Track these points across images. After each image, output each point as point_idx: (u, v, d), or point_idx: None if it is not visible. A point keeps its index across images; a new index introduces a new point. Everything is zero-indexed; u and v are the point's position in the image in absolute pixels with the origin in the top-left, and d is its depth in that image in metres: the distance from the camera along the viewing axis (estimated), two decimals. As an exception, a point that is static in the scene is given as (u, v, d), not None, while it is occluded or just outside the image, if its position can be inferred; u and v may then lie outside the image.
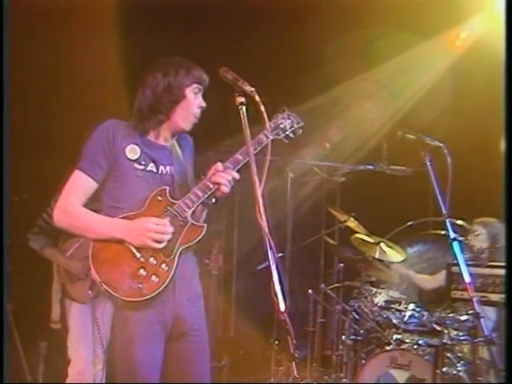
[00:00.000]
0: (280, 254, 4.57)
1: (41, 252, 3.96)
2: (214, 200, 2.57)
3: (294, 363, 2.07)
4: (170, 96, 2.54)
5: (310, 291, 4.91)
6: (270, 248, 2.10)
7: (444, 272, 4.33)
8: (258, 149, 2.55)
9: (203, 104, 2.61)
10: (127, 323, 2.42)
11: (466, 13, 4.88)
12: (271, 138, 2.59)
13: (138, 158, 2.51)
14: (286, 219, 4.88)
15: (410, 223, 5.00)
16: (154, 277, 2.39)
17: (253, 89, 2.32)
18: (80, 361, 3.81)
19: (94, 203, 2.56)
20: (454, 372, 3.86)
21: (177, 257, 2.45)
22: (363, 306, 4.42)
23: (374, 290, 4.59)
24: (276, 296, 2.04)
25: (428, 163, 3.18)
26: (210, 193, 2.50)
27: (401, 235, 4.95)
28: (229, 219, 6.01)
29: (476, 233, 4.39)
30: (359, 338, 4.38)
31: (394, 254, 4.65)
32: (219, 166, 2.52)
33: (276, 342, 4.77)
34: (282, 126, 2.68)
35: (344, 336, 4.51)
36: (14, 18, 3.20)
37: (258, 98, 2.29)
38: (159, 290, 2.39)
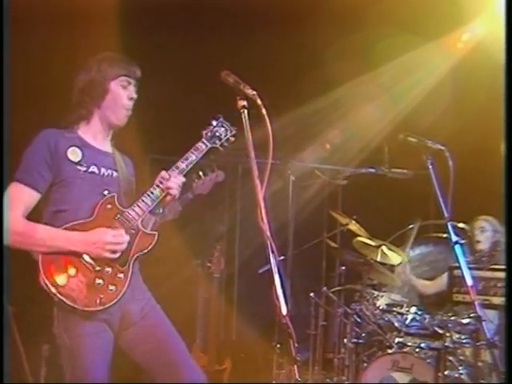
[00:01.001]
0: (282, 257, 4.57)
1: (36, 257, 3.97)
2: (161, 210, 2.63)
3: (295, 366, 2.07)
4: (92, 91, 2.56)
5: (311, 294, 4.90)
6: (272, 251, 2.10)
7: (444, 276, 4.33)
8: (200, 156, 2.63)
9: (133, 95, 2.61)
10: (72, 324, 2.42)
11: (468, 15, 4.88)
12: (209, 146, 2.66)
13: (79, 161, 2.51)
14: (287, 222, 4.87)
15: (411, 226, 5.00)
16: (110, 286, 2.42)
17: (254, 92, 2.32)
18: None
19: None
20: (456, 375, 3.86)
21: (131, 265, 2.50)
22: (365, 309, 4.42)
23: (376, 293, 4.59)
24: (278, 299, 2.04)
25: (430, 166, 3.17)
26: (157, 200, 2.55)
27: (402, 238, 4.95)
28: (230, 222, 6.01)
29: (482, 228, 4.41)
30: (361, 341, 4.38)
31: (395, 257, 4.65)
32: (164, 173, 2.57)
33: (278, 345, 4.76)
34: (217, 134, 2.70)
35: (346, 339, 4.51)
36: (14, 18, 3.20)
37: (259, 102, 2.29)
38: (117, 299, 2.43)
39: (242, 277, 5.96)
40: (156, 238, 2.57)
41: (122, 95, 2.59)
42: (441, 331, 4.04)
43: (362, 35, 4.73)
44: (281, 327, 2.06)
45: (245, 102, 2.33)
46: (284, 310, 2.03)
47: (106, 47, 4.63)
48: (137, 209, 2.53)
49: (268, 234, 2.12)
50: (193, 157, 2.63)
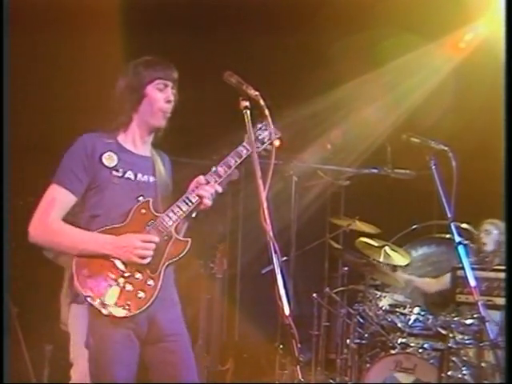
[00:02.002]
0: (284, 258, 4.57)
1: (55, 261, 4.00)
2: (194, 214, 2.58)
3: (298, 367, 2.06)
4: (129, 96, 2.55)
5: (314, 295, 4.90)
6: (275, 252, 2.10)
7: (448, 275, 4.33)
8: (239, 162, 2.58)
9: (171, 98, 2.58)
10: (101, 330, 2.43)
11: (470, 15, 4.87)
12: (250, 150, 2.56)
13: (115, 166, 2.50)
14: (290, 223, 4.87)
15: (414, 226, 4.99)
16: (140, 293, 2.40)
17: (257, 93, 2.31)
18: (83, 363, 3.82)
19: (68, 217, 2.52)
20: (460, 376, 3.86)
21: (162, 272, 2.46)
22: (368, 310, 4.42)
23: (379, 293, 4.59)
24: (280, 300, 2.04)
25: (433, 167, 3.17)
26: (193, 206, 2.51)
27: (405, 238, 4.95)
28: (233, 223, 6.01)
29: (488, 231, 4.41)
30: (364, 341, 4.37)
31: (398, 258, 4.65)
32: (201, 179, 2.54)
33: (280, 346, 4.76)
34: (260, 137, 2.65)
35: (348, 340, 4.51)
36: (14, 18, 3.21)
37: (262, 102, 2.29)
38: (145, 307, 2.40)
39: (245, 277, 5.95)
40: (189, 245, 2.52)
41: (158, 99, 2.56)
42: (444, 332, 4.03)
43: (365, 35, 4.72)
44: (283, 328, 2.06)
45: (247, 103, 2.33)
46: (287, 311, 2.03)
47: (107, 48, 4.67)
48: (171, 214, 2.50)
49: (271, 234, 2.11)
50: (232, 161, 2.58)
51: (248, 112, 2.33)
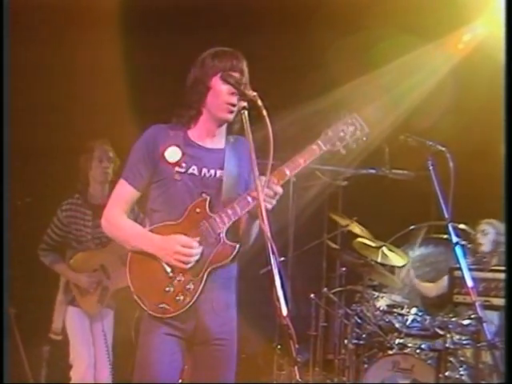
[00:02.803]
0: (282, 259, 4.57)
1: (51, 267, 4.02)
2: (252, 221, 2.45)
3: (296, 367, 2.06)
4: (197, 89, 2.47)
5: (312, 295, 4.90)
6: (273, 252, 2.10)
7: (446, 278, 4.33)
8: (308, 161, 2.45)
9: (234, 90, 2.42)
10: (148, 327, 2.43)
11: (469, 16, 4.88)
12: (325, 149, 2.48)
13: (178, 161, 2.44)
14: (288, 223, 4.87)
15: (412, 227, 4.99)
16: (179, 295, 2.37)
17: (255, 93, 2.29)
18: (82, 364, 3.85)
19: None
20: (457, 376, 3.86)
21: (205, 276, 2.39)
22: (365, 310, 4.42)
23: (377, 294, 4.59)
24: (278, 300, 2.03)
25: (430, 167, 3.17)
26: (249, 207, 2.38)
27: (403, 239, 4.95)
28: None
29: (485, 231, 4.40)
30: (361, 342, 4.38)
31: (396, 258, 4.65)
32: (262, 180, 2.34)
33: (278, 346, 4.76)
34: (341, 134, 2.51)
35: (346, 340, 4.51)
36: (14, 19, 3.20)
37: (260, 103, 2.26)
38: (181, 311, 2.37)
39: (243, 278, 5.94)
40: (236, 249, 2.45)
41: (222, 91, 2.43)
42: (441, 332, 4.04)
43: (363, 36, 4.73)
44: (281, 328, 2.05)
45: (245, 103, 2.32)
46: (284, 311, 2.02)
47: (108, 49, 4.67)
48: (224, 215, 2.39)
49: (268, 235, 2.11)
50: (300, 161, 2.44)
51: (246, 112, 2.31)
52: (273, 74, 5.10)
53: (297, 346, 2.02)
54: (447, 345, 3.91)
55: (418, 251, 5.22)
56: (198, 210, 2.42)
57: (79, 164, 4.02)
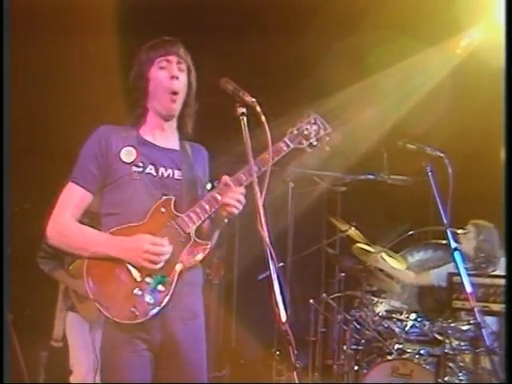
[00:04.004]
0: (281, 264, 4.57)
1: (50, 274, 4.02)
2: (226, 220, 2.39)
3: (295, 373, 2.05)
4: (137, 85, 2.41)
5: (311, 301, 4.90)
6: (271, 258, 2.09)
7: (430, 272, 4.34)
8: (276, 159, 2.40)
9: (174, 73, 2.38)
10: (113, 341, 2.30)
11: (467, 21, 4.89)
12: (292, 146, 2.46)
13: (133, 161, 2.35)
14: (287, 229, 4.87)
15: (410, 232, 5.00)
16: (149, 298, 2.24)
17: (254, 99, 2.28)
18: (82, 369, 3.85)
19: (87, 215, 2.43)
20: (456, 381, 3.86)
21: (176, 277, 2.29)
22: (364, 316, 4.42)
23: (376, 299, 4.59)
24: (277, 306, 2.02)
25: (429, 173, 3.18)
26: (217, 206, 2.33)
27: (402, 244, 4.95)
28: (230, 229, 6.01)
29: (466, 231, 4.36)
30: (360, 347, 4.37)
31: (395, 264, 4.65)
32: (227, 179, 2.35)
33: (277, 352, 4.76)
34: (305, 132, 2.51)
35: (345, 345, 4.50)
36: (14, 20, 3.20)
37: (258, 109, 2.25)
38: (153, 313, 2.24)
39: (242, 283, 5.95)
40: (208, 249, 2.35)
41: (161, 78, 2.37)
42: (440, 338, 4.03)
43: (361, 40, 4.73)
44: (280, 334, 2.05)
45: (244, 109, 2.32)
46: (283, 317, 2.02)
47: (108, 50, 4.67)
48: (192, 214, 2.31)
49: (267, 240, 2.10)
50: (268, 158, 2.34)
51: (245, 118, 2.31)
52: (270, 78, 5.12)
53: (296, 351, 2.01)
54: (446, 350, 3.90)
55: (416, 256, 5.23)
56: (163, 209, 2.32)
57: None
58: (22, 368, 4.41)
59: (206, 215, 2.34)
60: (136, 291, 2.24)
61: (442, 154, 3.17)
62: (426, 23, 4.72)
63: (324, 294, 4.93)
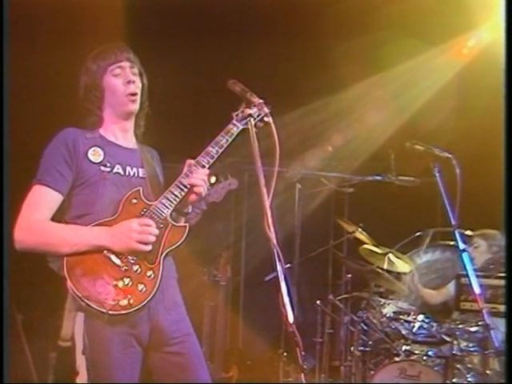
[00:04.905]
0: (288, 265, 4.57)
1: (60, 273, 4.02)
2: (190, 209, 2.49)
3: (302, 374, 2.05)
4: (90, 96, 2.45)
5: (318, 302, 4.89)
6: (278, 259, 2.10)
7: (450, 285, 4.31)
8: (230, 140, 2.44)
9: (130, 78, 2.44)
10: (99, 338, 2.33)
11: (474, 21, 4.88)
12: (241, 127, 2.46)
13: (101, 161, 2.38)
14: (294, 230, 4.87)
15: (418, 233, 4.98)
16: (140, 286, 2.27)
17: (261, 101, 2.32)
18: (88, 371, 3.85)
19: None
20: (464, 383, 3.84)
21: (161, 262, 2.33)
22: (372, 317, 4.41)
23: (383, 300, 4.58)
24: (284, 307, 2.03)
25: (437, 174, 3.17)
26: (186, 190, 2.39)
27: (409, 246, 4.93)
28: (237, 230, 6.02)
29: (475, 245, 4.34)
30: (368, 349, 4.36)
31: (402, 265, 4.64)
32: (191, 162, 2.42)
33: (284, 353, 4.75)
34: (249, 112, 2.45)
35: (352, 347, 4.49)
36: (15, 23, 3.22)
37: (266, 110, 2.29)
38: (147, 300, 2.27)
39: (249, 285, 5.95)
40: (187, 230, 2.39)
41: (116, 84, 2.43)
42: (448, 339, 4.02)
43: (367, 39, 4.73)
44: (287, 335, 2.05)
45: (251, 111, 2.33)
46: (290, 318, 2.02)
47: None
48: (164, 200, 2.36)
49: (274, 241, 2.11)
50: (223, 141, 2.43)
51: (252, 120, 2.33)
52: (276, 80, 5.12)
53: (303, 352, 2.02)
54: (454, 352, 3.89)
55: (424, 257, 5.21)
56: (134, 200, 2.36)
57: None
58: (31, 369, 4.44)
59: (177, 199, 2.38)
60: (126, 281, 2.26)
61: (450, 155, 3.17)
62: (433, 23, 4.71)
63: (331, 296, 4.92)
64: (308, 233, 5.24)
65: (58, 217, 2.38)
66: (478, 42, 5.06)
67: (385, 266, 4.55)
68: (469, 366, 3.95)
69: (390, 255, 4.60)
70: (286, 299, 2.04)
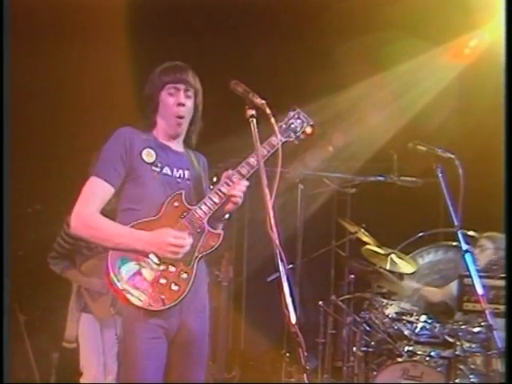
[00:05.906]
0: (290, 266, 4.57)
1: (62, 274, 4.04)
2: (227, 215, 2.62)
3: (305, 375, 2.06)
4: (149, 104, 2.64)
5: (320, 303, 4.89)
6: (281, 259, 2.10)
7: (452, 285, 4.30)
8: (272, 152, 2.56)
9: (181, 101, 2.60)
10: (133, 329, 2.44)
11: (476, 22, 4.88)
12: (283, 140, 2.62)
13: (153, 161, 2.55)
14: (296, 231, 4.87)
15: (420, 234, 4.98)
16: (173, 285, 2.43)
17: (263, 101, 2.32)
18: (92, 371, 3.87)
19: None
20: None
21: (195, 264, 2.50)
22: (374, 318, 4.40)
23: (385, 301, 4.57)
24: (287, 308, 2.03)
25: (439, 174, 3.17)
26: (224, 198, 2.53)
27: (412, 246, 4.93)
28: (239, 230, 6.01)
29: (483, 247, 4.33)
30: (370, 349, 4.35)
31: (404, 266, 4.63)
32: (230, 173, 2.57)
33: (287, 354, 4.75)
34: (292, 126, 2.69)
35: (355, 347, 4.49)
36: (15, 25, 3.23)
37: (268, 111, 2.30)
38: (180, 299, 2.43)
39: (251, 285, 5.95)
40: (222, 237, 2.57)
41: (169, 103, 2.59)
42: (451, 340, 4.01)
43: (369, 40, 4.73)
44: (290, 336, 2.05)
45: (253, 111, 2.34)
46: (293, 319, 2.02)
47: (113, 55, 4.69)
48: (204, 207, 2.53)
49: (277, 242, 2.12)
50: (264, 152, 2.55)
51: (254, 120, 2.34)
52: (278, 78, 5.12)
53: (305, 353, 2.02)
54: (457, 352, 3.88)
55: (427, 258, 5.20)
56: (175, 203, 2.53)
57: (88, 171, 4.04)
58: (34, 369, 4.45)
59: (216, 207, 2.54)
60: (162, 280, 2.41)
61: (452, 156, 3.16)
62: (435, 23, 4.71)
63: (333, 296, 4.92)
64: (310, 233, 5.24)
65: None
66: (479, 42, 5.06)
67: (387, 267, 4.54)
68: (472, 366, 3.94)
69: (393, 256, 4.60)
70: (289, 300, 2.05)
